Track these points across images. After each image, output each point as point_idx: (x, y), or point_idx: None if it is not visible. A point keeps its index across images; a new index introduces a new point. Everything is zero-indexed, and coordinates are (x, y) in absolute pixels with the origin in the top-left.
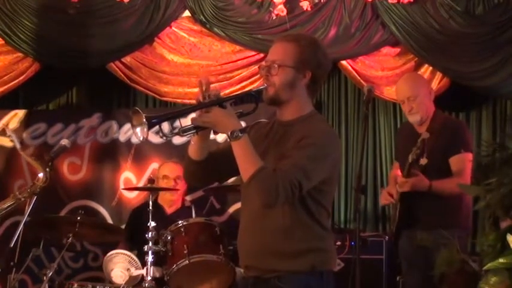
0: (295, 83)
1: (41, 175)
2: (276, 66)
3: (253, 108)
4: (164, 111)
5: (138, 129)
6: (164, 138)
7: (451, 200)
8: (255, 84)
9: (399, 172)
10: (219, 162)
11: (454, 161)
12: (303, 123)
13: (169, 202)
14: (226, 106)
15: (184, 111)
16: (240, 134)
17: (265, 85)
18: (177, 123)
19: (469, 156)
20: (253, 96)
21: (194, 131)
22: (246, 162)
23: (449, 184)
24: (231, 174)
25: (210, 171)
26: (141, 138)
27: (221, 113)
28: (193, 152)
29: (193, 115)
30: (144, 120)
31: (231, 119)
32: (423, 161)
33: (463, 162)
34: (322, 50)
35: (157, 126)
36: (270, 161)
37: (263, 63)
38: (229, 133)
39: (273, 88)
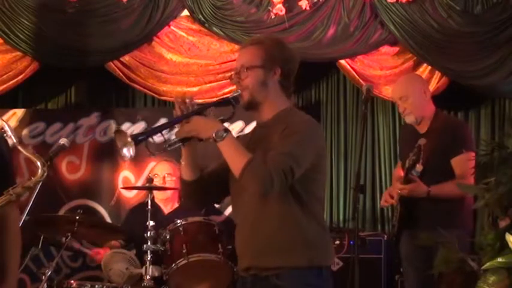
0: (267, 82)
1: (39, 166)
2: (245, 69)
3: (231, 113)
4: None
5: (124, 150)
6: (152, 156)
7: (451, 201)
8: None
9: (401, 172)
10: (212, 182)
11: (457, 163)
12: (282, 118)
13: (162, 201)
14: (206, 114)
15: (166, 125)
16: (224, 134)
17: (240, 91)
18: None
19: (471, 155)
20: (231, 102)
21: (180, 143)
22: (235, 158)
23: (449, 187)
24: (225, 193)
25: (204, 191)
26: (129, 158)
27: (201, 119)
28: (185, 173)
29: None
30: (129, 139)
31: (212, 122)
32: (419, 167)
33: (465, 163)
34: (287, 46)
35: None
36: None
37: (232, 72)
38: (213, 135)
39: (248, 91)
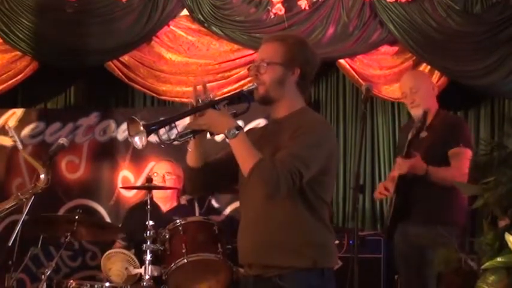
0: (285, 80)
1: (42, 176)
2: (265, 64)
3: (246, 108)
4: (160, 118)
5: (136, 138)
6: (162, 145)
7: (446, 195)
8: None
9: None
10: (217, 171)
11: (452, 153)
12: (296, 117)
13: (160, 200)
14: (219, 108)
15: (180, 116)
16: (236, 132)
17: (256, 84)
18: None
19: (468, 152)
20: (246, 97)
21: (191, 135)
22: (245, 157)
23: (446, 172)
24: (230, 183)
25: (208, 179)
26: (140, 147)
27: (215, 114)
28: (191, 160)
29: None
30: (142, 128)
31: (226, 118)
32: (423, 133)
33: (460, 155)
34: (310, 48)
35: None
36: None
37: (252, 63)
38: (225, 132)
39: (264, 86)
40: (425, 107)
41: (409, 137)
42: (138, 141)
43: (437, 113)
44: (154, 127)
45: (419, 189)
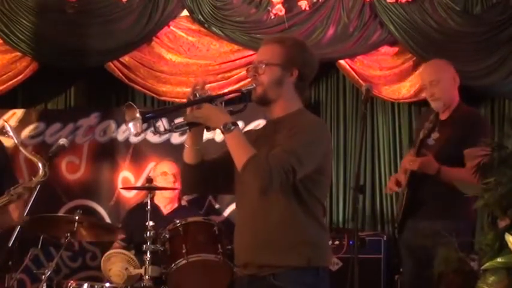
0: (283, 81)
1: (40, 167)
2: (263, 65)
3: (243, 106)
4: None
5: (130, 124)
6: (158, 135)
7: (458, 192)
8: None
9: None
10: (214, 169)
11: (468, 154)
12: (292, 118)
13: (167, 200)
14: (216, 104)
15: (177, 107)
16: (232, 127)
17: (254, 85)
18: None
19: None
20: (244, 96)
21: (187, 127)
22: (240, 151)
23: (459, 174)
24: (227, 182)
25: (205, 177)
26: (134, 133)
27: (212, 108)
28: (187, 156)
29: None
30: (138, 115)
31: (222, 113)
32: (435, 135)
33: (476, 157)
34: (308, 50)
35: (151, 124)
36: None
37: (251, 65)
38: (221, 126)
39: (261, 87)
40: (445, 101)
41: (421, 135)
42: (133, 128)
43: (458, 106)
44: (150, 115)
45: (431, 186)
